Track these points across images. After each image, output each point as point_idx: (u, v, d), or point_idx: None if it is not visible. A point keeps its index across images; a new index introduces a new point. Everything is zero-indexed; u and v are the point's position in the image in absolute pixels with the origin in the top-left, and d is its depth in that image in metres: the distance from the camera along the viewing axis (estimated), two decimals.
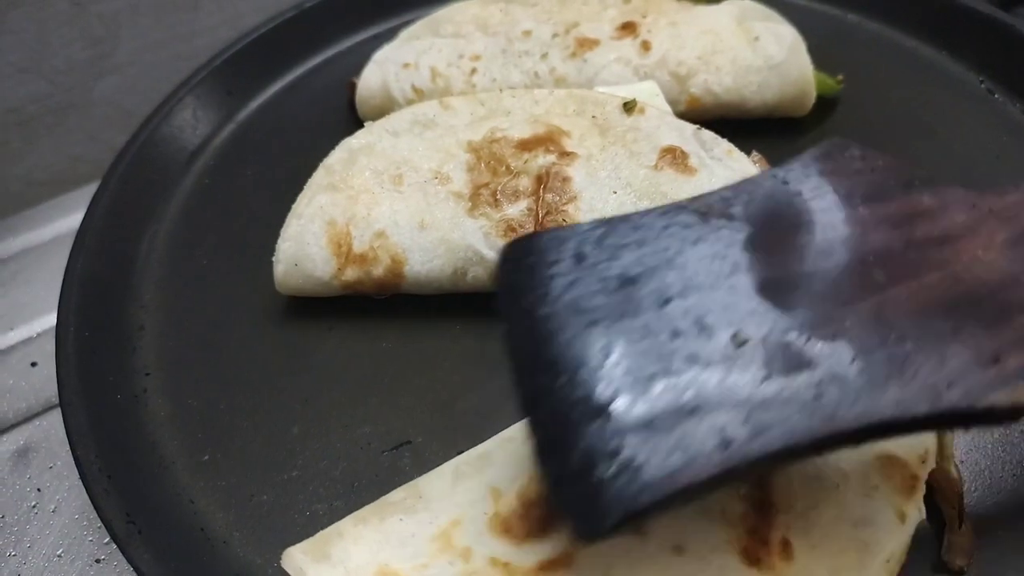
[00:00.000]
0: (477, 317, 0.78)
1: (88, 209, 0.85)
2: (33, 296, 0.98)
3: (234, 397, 0.74)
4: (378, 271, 0.76)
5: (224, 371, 0.76)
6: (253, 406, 0.74)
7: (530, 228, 0.74)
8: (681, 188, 0.75)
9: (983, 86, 0.96)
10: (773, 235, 0.50)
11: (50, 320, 0.92)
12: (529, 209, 0.75)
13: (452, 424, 0.71)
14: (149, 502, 0.66)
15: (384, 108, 0.92)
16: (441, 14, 0.98)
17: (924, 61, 1.00)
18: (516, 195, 0.75)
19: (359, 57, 0.99)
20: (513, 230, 0.74)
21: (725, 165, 0.76)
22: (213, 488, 0.68)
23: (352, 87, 0.97)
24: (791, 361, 0.44)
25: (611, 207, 0.75)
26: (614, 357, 0.45)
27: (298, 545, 0.59)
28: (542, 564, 0.54)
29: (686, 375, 0.44)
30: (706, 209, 0.51)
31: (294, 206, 0.79)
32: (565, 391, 0.45)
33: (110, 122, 1.21)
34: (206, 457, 0.71)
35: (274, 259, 0.77)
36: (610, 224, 0.51)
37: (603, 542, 0.48)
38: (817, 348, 0.45)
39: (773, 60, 0.90)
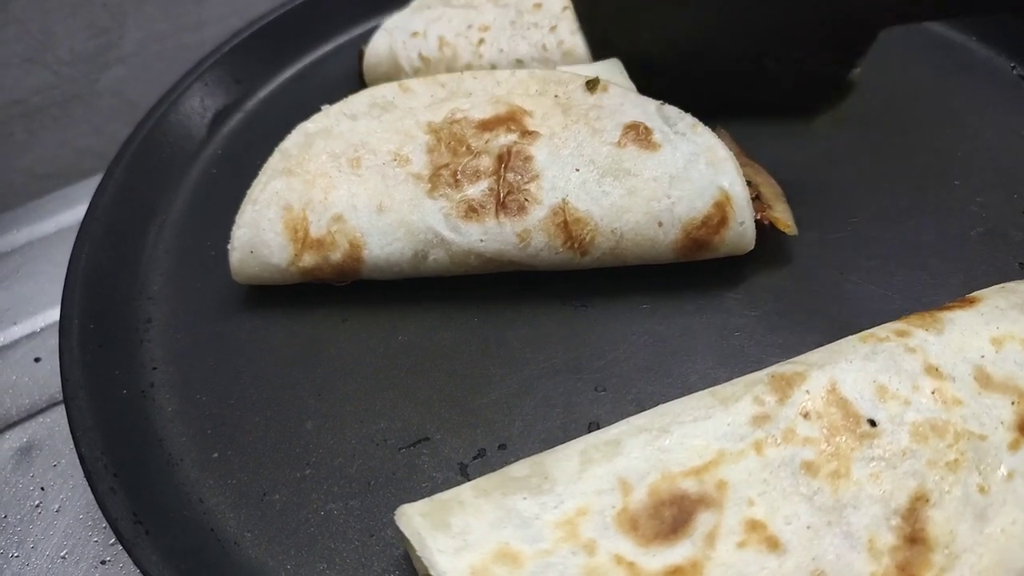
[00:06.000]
0: (496, 309, 0.76)
1: (93, 199, 0.83)
2: (37, 290, 0.96)
3: (245, 391, 0.72)
4: (336, 256, 0.74)
5: (234, 364, 0.74)
6: (264, 401, 0.71)
7: (491, 208, 0.72)
8: (644, 164, 0.73)
9: (1014, 72, 0.94)
10: None
11: (54, 315, 0.90)
12: (490, 189, 0.73)
13: (471, 420, 0.69)
14: (156, 501, 0.64)
15: (390, 76, 0.92)
16: None
17: (953, 46, 0.98)
18: (477, 175, 0.74)
19: None
20: (474, 210, 0.72)
21: (689, 140, 0.75)
22: (223, 486, 0.66)
23: (361, 55, 0.96)
24: None
25: (573, 184, 0.73)
26: None
27: (415, 505, 0.56)
28: (668, 569, 0.51)
29: None
30: None
31: (249, 192, 0.76)
32: None
33: (115, 114, 1.19)
34: (216, 454, 0.68)
35: (229, 247, 0.75)
36: None
37: (738, 557, 0.51)
38: None
39: None
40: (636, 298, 0.76)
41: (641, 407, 0.62)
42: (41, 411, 0.83)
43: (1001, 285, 0.66)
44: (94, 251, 0.79)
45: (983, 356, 0.59)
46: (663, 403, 0.61)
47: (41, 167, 1.17)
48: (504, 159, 0.74)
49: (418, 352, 0.74)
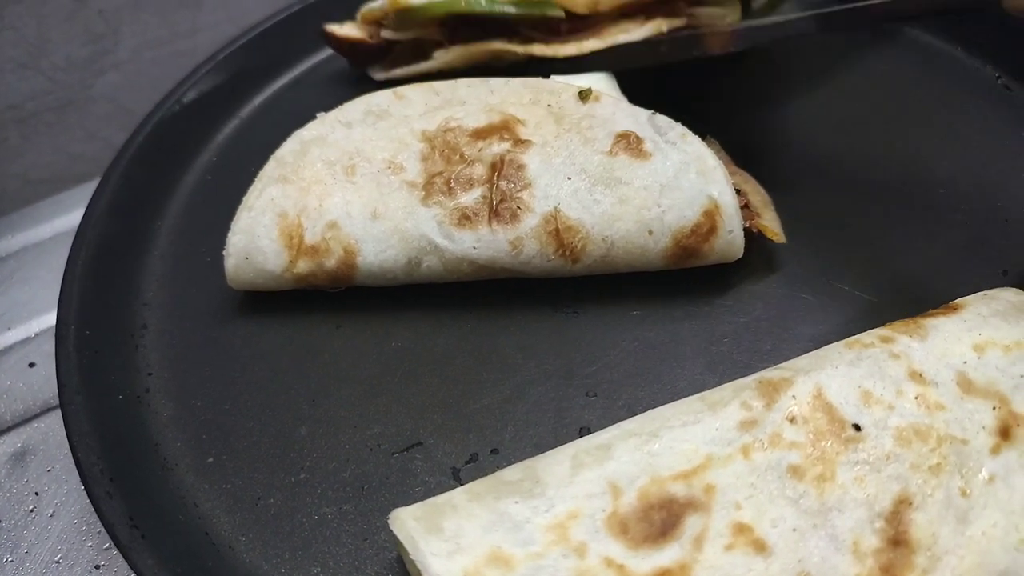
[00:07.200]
0: (489, 316, 0.77)
1: (89, 205, 0.84)
2: (31, 295, 0.96)
3: (239, 397, 0.73)
4: (331, 263, 0.75)
5: (229, 370, 0.74)
6: (259, 406, 0.72)
7: (484, 215, 0.73)
8: (635, 173, 0.74)
9: (1000, 82, 0.95)
10: None
11: (48, 320, 0.90)
12: (483, 197, 0.74)
13: (464, 425, 0.69)
14: (152, 505, 0.64)
15: None
16: None
17: (939, 55, 0.99)
18: (470, 183, 0.75)
19: None
20: (467, 218, 0.73)
21: (679, 149, 0.76)
22: (218, 491, 0.67)
23: (328, 35, 0.97)
24: None
25: (565, 193, 0.74)
26: None
27: (409, 509, 0.57)
28: (657, 572, 0.52)
29: None
30: None
31: (244, 199, 0.77)
32: None
33: (110, 120, 1.19)
34: (210, 459, 0.69)
35: (224, 253, 0.76)
36: None
37: (725, 559, 0.51)
38: None
39: None
40: (626, 305, 0.76)
41: (631, 412, 0.63)
42: (35, 416, 0.84)
43: (983, 292, 0.67)
44: (90, 257, 0.79)
45: (965, 362, 0.60)
46: (653, 408, 0.62)
47: (35, 172, 1.17)
48: (497, 167, 0.75)
49: (411, 358, 0.74)
